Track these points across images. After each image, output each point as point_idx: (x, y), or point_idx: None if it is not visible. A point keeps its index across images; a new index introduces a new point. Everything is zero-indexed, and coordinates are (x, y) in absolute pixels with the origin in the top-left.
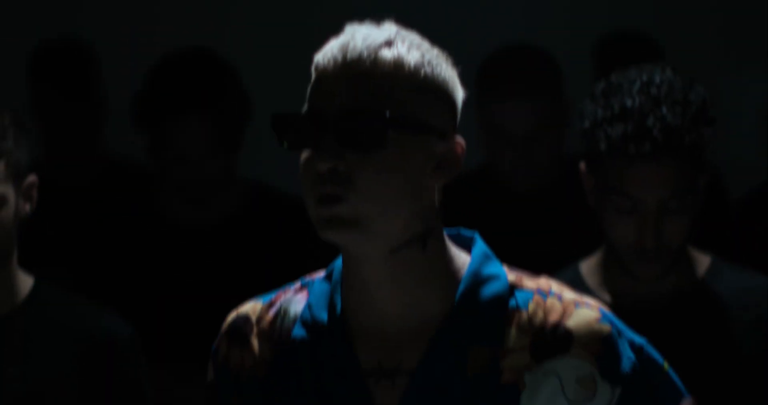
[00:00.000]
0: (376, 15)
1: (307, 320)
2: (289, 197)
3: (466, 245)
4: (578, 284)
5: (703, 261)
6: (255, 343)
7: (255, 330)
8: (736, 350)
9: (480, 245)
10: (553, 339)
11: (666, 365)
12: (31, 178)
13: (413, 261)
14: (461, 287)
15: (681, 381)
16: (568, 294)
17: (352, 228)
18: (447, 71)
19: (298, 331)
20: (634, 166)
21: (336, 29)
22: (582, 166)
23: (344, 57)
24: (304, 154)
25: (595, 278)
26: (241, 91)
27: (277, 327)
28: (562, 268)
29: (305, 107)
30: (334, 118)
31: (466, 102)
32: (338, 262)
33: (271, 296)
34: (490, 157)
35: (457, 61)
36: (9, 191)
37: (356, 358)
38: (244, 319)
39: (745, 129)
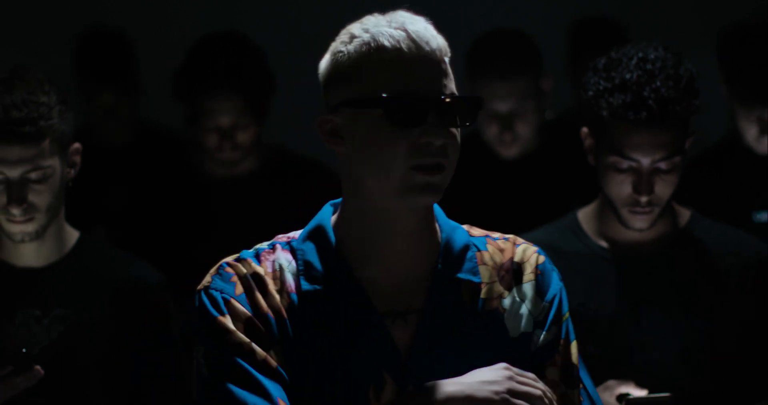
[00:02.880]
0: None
1: (311, 275)
2: (303, 158)
3: None
4: (576, 229)
5: (684, 214)
6: (274, 292)
7: (269, 281)
8: (715, 290)
9: (435, 205)
10: (513, 271)
11: (567, 311)
12: (75, 145)
13: (428, 213)
14: (444, 236)
15: (654, 318)
16: (506, 236)
17: (439, 193)
18: None
19: (306, 285)
20: (632, 132)
21: (344, 15)
22: (584, 130)
23: (424, 44)
24: (390, 132)
25: (591, 225)
26: (266, 68)
27: (284, 280)
28: (560, 217)
29: (391, 87)
30: (439, 101)
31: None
32: (324, 223)
33: (255, 254)
34: (479, 128)
35: (451, 42)
36: (56, 163)
37: (372, 303)
38: (255, 273)
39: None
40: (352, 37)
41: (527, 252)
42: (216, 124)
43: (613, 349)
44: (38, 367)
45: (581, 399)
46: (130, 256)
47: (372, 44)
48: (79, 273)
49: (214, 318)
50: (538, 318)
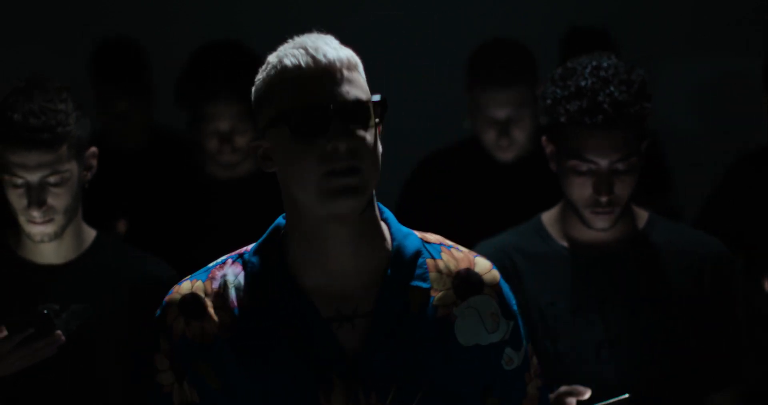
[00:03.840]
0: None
1: (257, 286)
2: None
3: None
4: (541, 232)
5: (642, 215)
6: (212, 313)
7: (207, 302)
8: (670, 289)
9: (388, 212)
10: (469, 282)
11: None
12: (92, 149)
13: (367, 220)
14: (394, 242)
15: (617, 314)
16: (460, 246)
17: (359, 195)
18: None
19: (251, 296)
20: (589, 135)
21: (340, 24)
22: (544, 138)
23: (322, 58)
24: (299, 145)
25: (554, 227)
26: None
27: (228, 296)
28: (525, 221)
29: (293, 103)
30: (338, 107)
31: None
32: (274, 234)
33: (207, 273)
34: (477, 133)
35: (451, 52)
36: (73, 167)
37: (315, 307)
38: (193, 295)
39: (679, 105)
40: (267, 63)
41: (484, 266)
42: (216, 128)
43: (581, 346)
44: (59, 332)
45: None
46: (145, 254)
47: (277, 66)
48: (96, 270)
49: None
50: (504, 337)
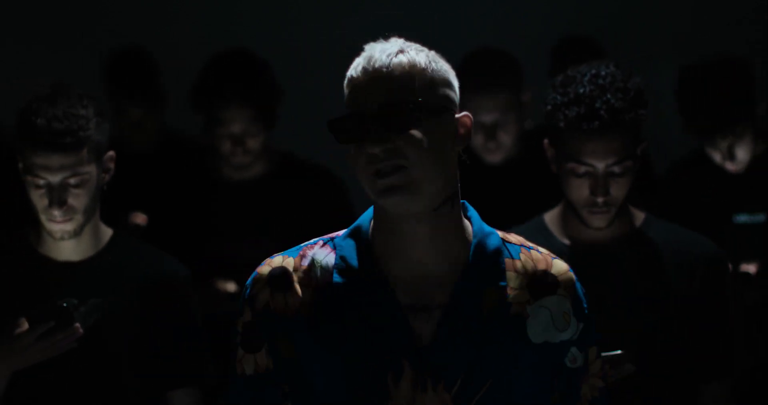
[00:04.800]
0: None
1: (344, 268)
2: (309, 163)
3: (463, 210)
4: (543, 231)
5: (639, 215)
6: (297, 288)
7: (295, 278)
8: (664, 286)
9: (472, 209)
10: (545, 282)
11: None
12: (110, 153)
13: (445, 217)
14: (474, 240)
15: (614, 308)
16: (539, 247)
17: (408, 191)
18: (445, 66)
19: (337, 278)
20: (586, 140)
21: (346, 34)
22: (546, 141)
23: (371, 67)
24: (353, 148)
25: (556, 226)
26: (273, 82)
27: (314, 275)
28: (528, 220)
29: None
30: (375, 112)
31: None
32: (364, 223)
33: (298, 251)
34: None
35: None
36: (92, 169)
37: (395, 295)
38: (283, 269)
39: (664, 112)
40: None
41: (561, 268)
42: (229, 132)
43: None
44: (77, 325)
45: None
46: (159, 252)
47: (347, 76)
48: (112, 266)
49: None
50: (573, 337)
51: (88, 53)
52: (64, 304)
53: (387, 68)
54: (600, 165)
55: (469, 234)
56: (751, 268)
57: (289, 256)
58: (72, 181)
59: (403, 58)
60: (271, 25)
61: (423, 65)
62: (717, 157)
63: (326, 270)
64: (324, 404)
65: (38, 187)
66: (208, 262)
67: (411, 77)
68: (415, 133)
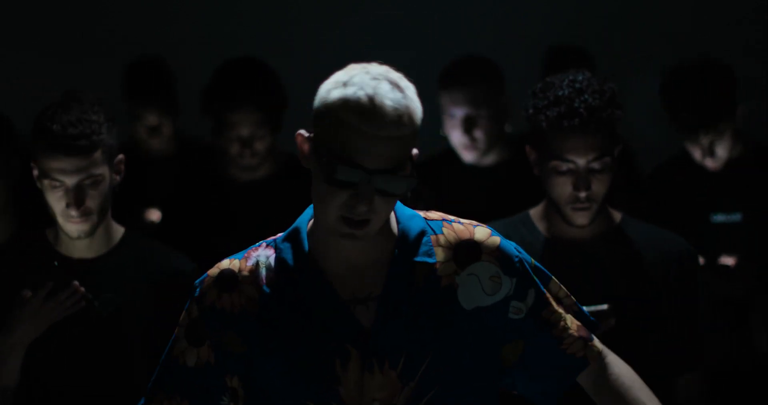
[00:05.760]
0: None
1: (283, 267)
2: None
3: None
4: (529, 226)
5: (616, 215)
6: (243, 288)
7: (240, 278)
8: (640, 281)
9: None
10: (469, 250)
11: (533, 260)
12: (120, 156)
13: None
14: (400, 226)
15: (593, 302)
16: (461, 219)
17: (365, 238)
18: (419, 106)
19: (278, 276)
20: (567, 137)
21: (350, 43)
22: (527, 147)
23: (379, 121)
24: (329, 186)
25: (541, 223)
26: (279, 87)
27: (259, 274)
28: (514, 215)
29: (341, 149)
30: (374, 174)
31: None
32: (302, 224)
33: (243, 254)
34: (448, 136)
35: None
36: (105, 171)
37: (335, 289)
38: (230, 271)
39: (646, 117)
40: (336, 83)
41: (483, 233)
42: (237, 135)
43: None
44: (76, 282)
45: (576, 309)
46: (168, 248)
47: (343, 102)
48: (125, 262)
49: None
50: (509, 293)
51: (105, 62)
52: (56, 263)
53: (397, 128)
54: (581, 161)
55: (394, 222)
56: (729, 260)
57: (235, 259)
58: (87, 182)
59: (407, 120)
60: (276, 34)
61: (418, 124)
62: (697, 153)
63: (269, 269)
64: (278, 394)
65: (55, 189)
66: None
67: (410, 140)
68: (396, 195)
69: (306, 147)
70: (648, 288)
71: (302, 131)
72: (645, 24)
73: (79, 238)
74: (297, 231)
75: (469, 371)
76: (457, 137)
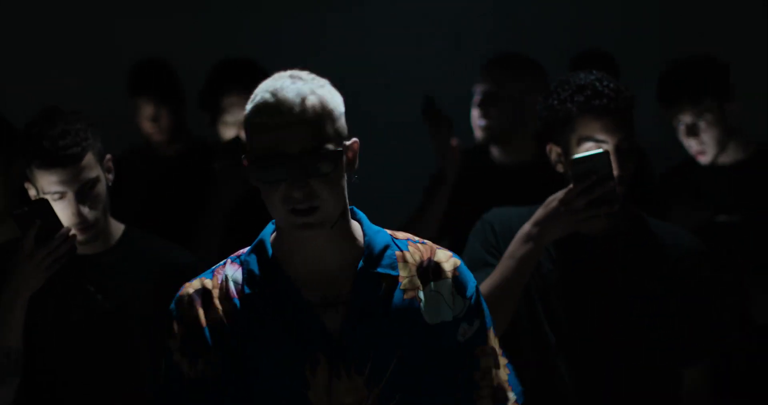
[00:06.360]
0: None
1: (251, 280)
2: None
3: (352, 214)
4: None
5: (635, 213)
6: (217, 303)
7: (213, 294)
8: (656, 276)
9: (360, 212)
10: (432, 269)
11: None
12: (108, 156)
13: (338, 228)
14: (366, 238)
15: (610, 295)
16: (425, 240)
17: (320, 228)
18: (338, 97)
19: (247, 289)
20: (600, 117)
21: (349, 46)
22: (549, 145)
23: (285, 108)
24: (266, 185)
25: None
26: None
27: (230, 289)
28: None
29: (260, 148)
30: (296, 156)
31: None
32: (266, 236)
33: (212, 272)
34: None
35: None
36: (99, 172)
37: (301, 294)
38: (202, 289)
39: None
40: (254, 96)
41: (445, 255)
42: (234, 120)
43: (576, 310)
44: (66, 227)
45: (508, 371)
46: (169, 243)
47: (253, 108)
48: (126, 257)
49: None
50: (459, 314)
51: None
52: (42, 198)
53: (303, 110)
54: (612, 139)
55: (360, 235)
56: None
57: (206, 278)
58: (87, 186)
59: (314, 100)
60: (268, 42)
61: (330, 106)
62: (682, 133)
63: (237, 284)
64: (251, 401)
65: (60, 200)
66: (222, 256)
67: (323, 119)
68: (330, 176)
69: (246, 166)
70: (661, 283)
71: (242, 156)
72: (646, 25)
73: (87, 242)
74: (261, 242)
75: (431, 381)
76: (474, 116)
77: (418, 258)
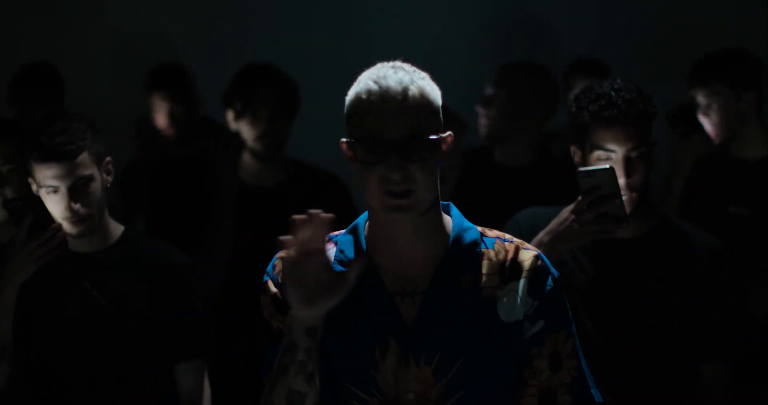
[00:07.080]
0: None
1: (341, 259)
2: (320, 171)
3: (446, 210)
4: None
5: (656, 214)
6: None
7: None
8: (676, 276)
9: (455, 209)
10: (513, 268)
11: (569, 308)
12: (107, 158)
13: (427, 218)
14: (452, 234)
15: (633, 293)
16: (514, 238)
17: (412, 210)
18: (437, 90)
19: (337, 267)
20: (609, 128)
21: (358, 56)
22: (572, 147)
23: (389, 96)
24: (366, 166)
25: None
26: (294, 93)
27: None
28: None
29: (362, 132)
30: (397, 141)
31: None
32: (360, 222)
33: None
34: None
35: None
36: (95, 172)
37: (383, 282)
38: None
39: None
40: (357, 82)
41: (528, 254)
42: (257, 114)
43: (612, 314)
44: (57, 223)
45: (571, 375)
46: (165, 243)
47: (356, 94)
48: (124, 256)
49: (260, 296)
50: (527, 312)
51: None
52: (33, 193)
53: (404, 99)
54: (621, 150)
55: (449, 230)
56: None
57: None
58: (80, 183)
59: (415, 90)
60: (287, 48)
61: (430, 97)
62: (699, 112)
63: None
64: (325, 372)
65: (53, 194)
66: (235, 253)
67: (424, 109)
68: (426, 161)
69: (345, 148)
70: (684, 282)
71: (342, 139)
72: (660, 32)
73: (79, 236)
74: (356, 227)
75: (498, 379)
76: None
77: (501, 257)
